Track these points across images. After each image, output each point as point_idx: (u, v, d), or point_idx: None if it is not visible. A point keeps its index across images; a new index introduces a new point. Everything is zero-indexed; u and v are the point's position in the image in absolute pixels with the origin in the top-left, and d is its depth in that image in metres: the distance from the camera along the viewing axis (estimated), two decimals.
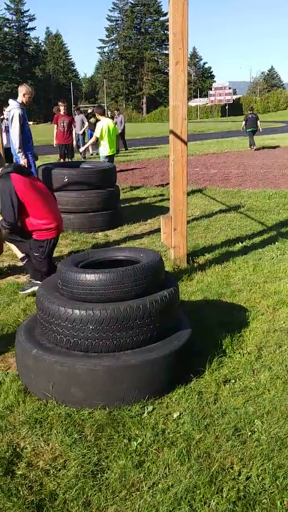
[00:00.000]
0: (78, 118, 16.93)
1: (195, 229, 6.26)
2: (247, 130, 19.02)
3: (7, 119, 9.03)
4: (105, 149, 8.71)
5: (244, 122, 19.36)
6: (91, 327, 2.48)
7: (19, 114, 6.29)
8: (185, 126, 4.52)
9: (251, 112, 19.59)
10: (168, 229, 4.81)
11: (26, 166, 6.26)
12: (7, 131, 8.94)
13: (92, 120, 16.84)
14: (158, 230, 6.12)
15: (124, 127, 19.21)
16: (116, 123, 16.97)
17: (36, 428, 2.35)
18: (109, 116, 18.04)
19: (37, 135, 16.27)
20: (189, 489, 1.95)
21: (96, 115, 9.92)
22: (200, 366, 2.81)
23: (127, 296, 2.57)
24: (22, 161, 6.34)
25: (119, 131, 17.80)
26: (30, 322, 2.95)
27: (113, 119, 15.57)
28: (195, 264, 4.78)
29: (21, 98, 6.48)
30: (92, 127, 15.99)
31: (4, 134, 9.98)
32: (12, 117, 6.31)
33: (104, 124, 8.64)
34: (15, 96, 6.61)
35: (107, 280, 2.56)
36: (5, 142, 10.31)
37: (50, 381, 2.50)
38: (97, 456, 2.16)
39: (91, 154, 17.11)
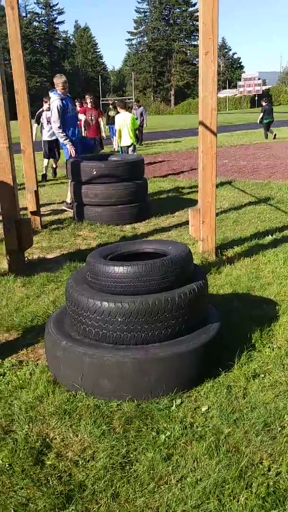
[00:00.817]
0: (138, 111, 17.98)
1: (224, 222, 6.20)
2: (264, 122, 18.68)
3: (48, 110, 9.69)
4: (125, 140, 9.76)
5: (261, 114, 18.93)
6: (119, 319, 2.48)
7: (57, 105, 6.84)
8: (215, 117, 4.46)
9: (267, 102, 19.07)
10: (196, 222, 4.77)
11: (73, 151, 7.00)
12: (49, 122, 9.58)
13: (112, 113, 16.79)
14: (186, 223, 6.09)
15: (144, 119, 18.75)
16: (136, 116, 17.11)
17: (65, 419, 2.37)
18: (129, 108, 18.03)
19: None
20: (217, 483, 1.93)
21: (118, 108, 10.73)
22: (229, 360, 2.78)
23: (156, 289, 2.56)
24: (67, 143, 6.97)
25: (138, 123, 17.82)
26: (59, 314, 2.97)
27: (131, 111, 15.77)
28: (224, 257, 4.73)
29: (58, 89, 6.99)
30: (112, 120, 16.03)
31: (47, 127, 10.57)
32: (51, 108, 7.02)
33: (125, 116, 9.75)
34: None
35: (136, 273, 2.55)
36: (47, 135, 10.76)
37: (79, 373, 2.52)
38: (125, 448, 2.16)
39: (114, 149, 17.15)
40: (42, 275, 4.49)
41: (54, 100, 6.92)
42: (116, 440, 2.22)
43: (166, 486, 1.95)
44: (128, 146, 9.80)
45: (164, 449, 2.15)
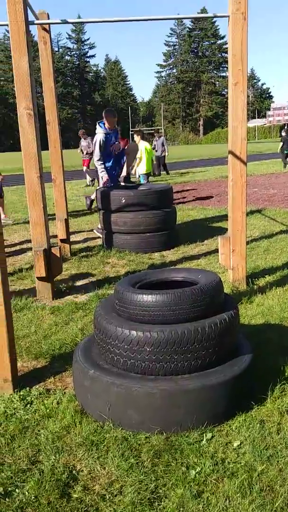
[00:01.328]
0: (159, 141, 18.47)
1: (255, 250, 6.12)
2: (285, 151, 18.54)
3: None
4: (142, 168, 11.10)
5: (281, 144, 18.95)
6: (148, 349, 2.44)
7: (100, 139, 7.25)
8: (245, 146, 4.45)
9: (287, 131, 18.93)
10: (226, 250, 4.72)
11: (105, 180, 7.31)
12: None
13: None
14: (215, 251, 6.04)
15: (165, 149, 18.71)
16: (154, 146, 17.40)
17: (92, 450, 2.32)
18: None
19: None
20: None
21: (135, 138, 11.75)
22: (262, 393, 2.68)
23: (185, 319, 2.52)
24: (101, 174, 7.32)
25: (157, 153, 18.05)
26: (87, 342, 2.95)
27: (151, 144, 16.18)
28: (255, 286, 4.65)
29: (106, 124, 7.39)
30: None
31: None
32: (95, 140, 7.42)
33: (142, 146, 10.92)
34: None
35: (165, 302, 2.51)
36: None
37: (107, 403, 2.47)
38: (154, 483, 2.09)
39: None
40: (70, 303, 4.50)
41: (98, 133, 7.30)
42: (144, 474, 2.15)
43: None
44: (145, 174, 10.66)
45: (194, 485, 2.07)
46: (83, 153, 16.86)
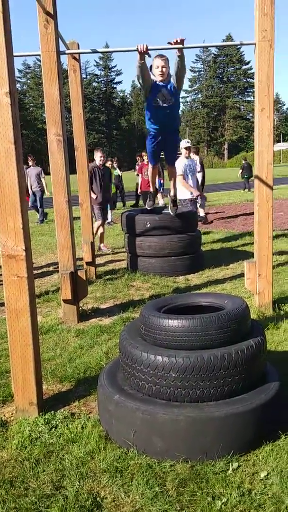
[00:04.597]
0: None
1: (281, 275, 6.06)
2: (245, 176, 22.23)
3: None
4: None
5: (240, 170, 23.00)
6: (173, 374, 2.42)
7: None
8: (271, 171, 4.46)
9: (245, 161, 23.19)
10: (252, 275, 4.68)
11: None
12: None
13: (116, 172, 15.73)
14: (240, 275, 6.00)
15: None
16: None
17: (116, 477, 2.30)
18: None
19: (126, 180, 16.87)
20: None
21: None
22: None
23: (212, 344, 2.50)
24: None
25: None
26: (112, 366, 2.94)
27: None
28: (282, 311, 4.59)
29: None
30: (117, 180, 15.72)
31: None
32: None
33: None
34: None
35: (191, 327, 2.50)
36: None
37: (132, 429, 2.45)
38: None
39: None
40: (95, 326, 4.51)
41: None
42: (169, 503, 2.11)
43: None
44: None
45: None
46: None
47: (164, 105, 5.33)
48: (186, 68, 5.26)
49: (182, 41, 4.61)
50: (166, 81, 5.28)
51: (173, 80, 5.24)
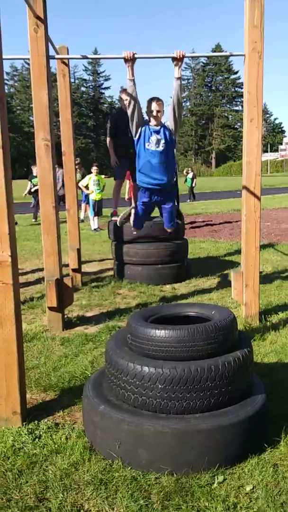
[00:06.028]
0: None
1: (268, 286, 6.08)
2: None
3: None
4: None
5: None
6: (159, 386, 2.40)
7: None
8: (259, 181, 4.48)
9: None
10: (239, 285, 4.69)
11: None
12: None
13: (79, 176, 14.99)
14: (227, 285, 6.00)
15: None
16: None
17: (101, 490, 2.26)
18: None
19: (109, 187, 16.72)
20: None
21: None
22: (275, 436, 2.62)
23: (198, 356, 2.48)
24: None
25: None
26: (98, 376, 2.91)
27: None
28: (268, 323, 4.59)
29: None
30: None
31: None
32: None
33: None
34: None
35: (178, 337, 2.48)
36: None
37: (117, 441, 2.42)
38: None
39: None
40: (81, 334, 4.47)
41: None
42: None
43: None
44: None
45: None
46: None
47: (157, 149, 5.09)
48: (182, 103, 5.13)
49: (183, 56, 4.60)
50: (159, 126, 5.11)
51: (168, 122, 5.11)
